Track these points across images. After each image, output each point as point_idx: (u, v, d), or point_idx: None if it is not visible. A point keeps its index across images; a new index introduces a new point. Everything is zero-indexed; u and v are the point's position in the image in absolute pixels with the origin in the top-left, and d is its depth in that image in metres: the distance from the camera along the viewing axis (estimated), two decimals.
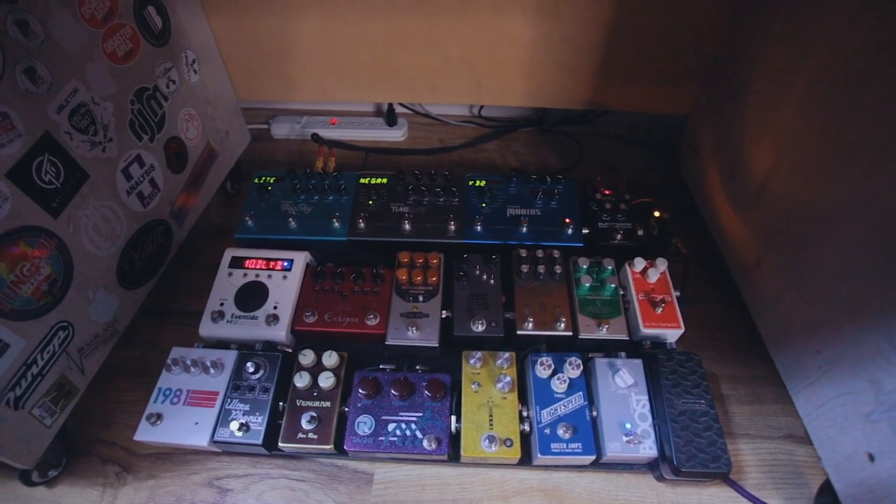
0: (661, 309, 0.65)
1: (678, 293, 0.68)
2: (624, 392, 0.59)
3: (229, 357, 0.62)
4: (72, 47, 0.57)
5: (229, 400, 0.60)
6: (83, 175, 0.60)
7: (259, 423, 0.58)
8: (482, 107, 1.08)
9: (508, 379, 0.59)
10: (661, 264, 0.68)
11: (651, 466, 0.59)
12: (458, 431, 0.57)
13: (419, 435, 0.57)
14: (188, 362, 0.61)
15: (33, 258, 0.54)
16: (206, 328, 0.65)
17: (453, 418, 0.58)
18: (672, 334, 0.65)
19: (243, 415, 0.59)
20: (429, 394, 0.59)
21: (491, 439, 0.56)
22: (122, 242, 0.67)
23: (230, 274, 0.69)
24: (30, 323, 0.54)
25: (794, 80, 0.61)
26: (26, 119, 0.52)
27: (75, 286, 0.59)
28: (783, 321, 0.63)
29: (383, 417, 0.58)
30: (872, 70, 0.49)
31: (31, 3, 0.51)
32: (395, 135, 1.06)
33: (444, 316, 0.65)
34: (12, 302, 0.52)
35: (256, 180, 0.79)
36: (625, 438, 0.56)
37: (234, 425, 0.57)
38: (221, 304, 0.67)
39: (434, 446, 0.56)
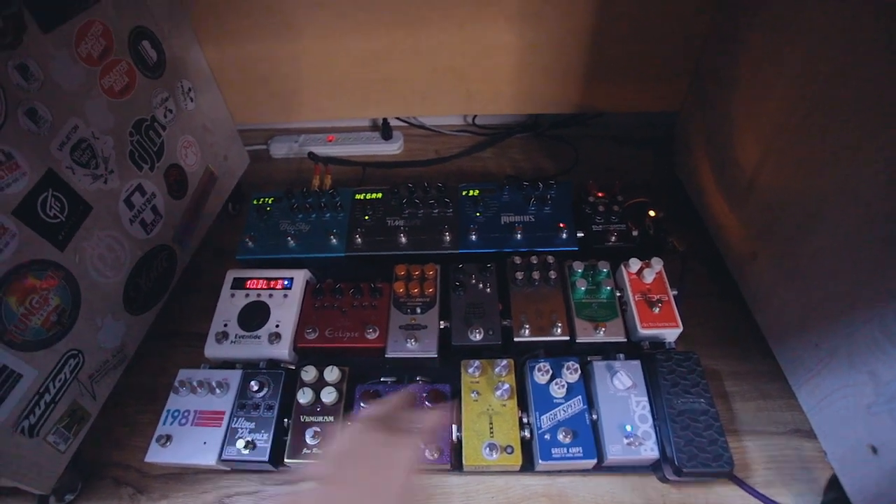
0: (658, 309, 0.65)
1: (676, 292, 0.68)
2: (623, 394, 0.59)
3: (234, 377, 0.64)
4: (70, 86, 0.59)
5: (235, 419, 0.61)
6: (87, 207, 0.62)
7: (265, 440, 0.59)
8: (476, 116, 1.09)
9: (507, 386, 0.59)
10: (657, 264, 0.68)
11: (654, 468, 0.59)
12: (460, 440, 0.58)
13: (421, 445, 0.57)
14: (194, 383, 0.63)
15: (42, 290, 0.56)
16: (211, 349, 0.67)
17: (454, 427, 0.58)
18: (671, 334, 0.65)
19: (249, 433, 0.60)
20: (429, 404, 0.59)
21: (492, 447, 0.56)
22: (128, 270, 0.69)
23: (232, 295, 0.71)
24: (41, 353, 0.56)
25: (779, 72, 0.61)
26: (30, 158, 0.54)
27: (83, 315, 0.61)
28: (781, 315, 0.62)
29: None
30: (856, 59, 0.49)
31: (30, 47, 0.54)
32: (392, 148, 1.07)
33: (442, 326, 0.66)
34: (23, 333, 0.54)
35: (255, 202, 0.81)
36: (625, 441, 0.56)
37: (240, 443, 0.59)
38: (225, 325, 0.68)
39: (436, 456, 0.56)
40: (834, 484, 0.55)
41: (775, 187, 0.62)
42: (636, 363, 0.61)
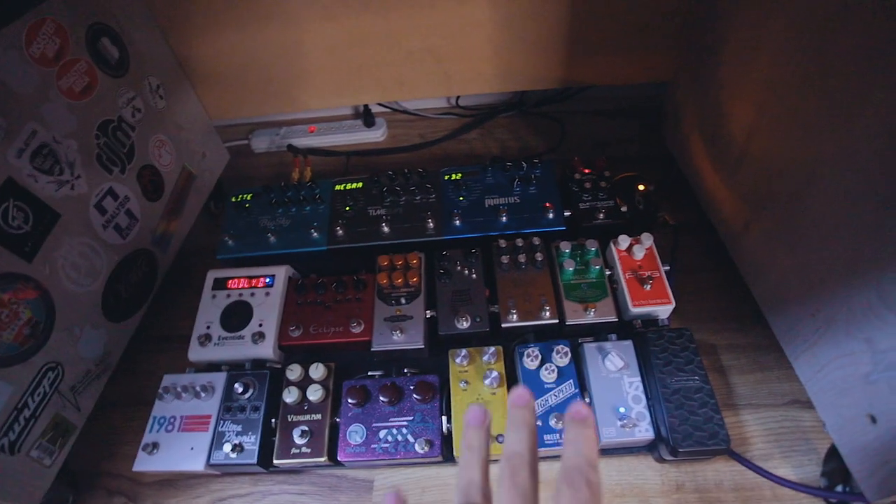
0: (649, 286, 0.63)
1: (668, 267, 0.66)
2: (615, 375, 0.58)
3: (219, 379, 0.63)
4: (24, 90, 0.57)
5: (222, 422, 0.60)
6: (54, 215, 0.60)
7: (252, 442, 0.58)
8: (458, 97, 1.06)
9: (496, 374, 0.58)
10: (647, 240, 0.66)
11: (650, 448, 0.58)
12: (451, 432, 0.57)
13: (411, 439, 0.56)
14: (179, 389, 0.61)
15: (10, 304, 0.54)
16: (195, 352, 0.65)
17: (444, 419, 0.57)
18: (663, 310, 0.63)
19: (236, 435, 0.59)
20: (417, 397, 0.58)
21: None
22: (104, 277, 0.68)
23: (214, 296, 0.69)
24: (15, 368, 0.54)
25: (769, 29, 0.58)
26: None
27: (59, 326, 0.60)
28: (777, 286, 0.61)
29: (374, 425, 0.58)
30: (849, 12, 0.46)
31: None
32: (375, 135, 1.04)
33: (428, 316, 0.64)
34: None
35: (233, 199, 0.79)
36: (619, 423, 0.55)
37: (227, 447, 0.58)
38: (208, 327, 0.67)
39: (426, 449, 0.55)
40: (833, 454, 0.54)
41: (768, 154, 0.60)
42: (628, 343, 0.60)
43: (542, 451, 0.55)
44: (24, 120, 0.57)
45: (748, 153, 0.64)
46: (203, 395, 0.61)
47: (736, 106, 0.66)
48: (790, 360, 0.59)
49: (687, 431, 0.52)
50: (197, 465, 0.58)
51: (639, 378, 0.57)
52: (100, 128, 0.67)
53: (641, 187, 0.78)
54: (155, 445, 0.59)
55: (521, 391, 0.31)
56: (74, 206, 0.63)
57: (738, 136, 0.66)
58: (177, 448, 0.59)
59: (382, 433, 0.57)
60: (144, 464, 0.59)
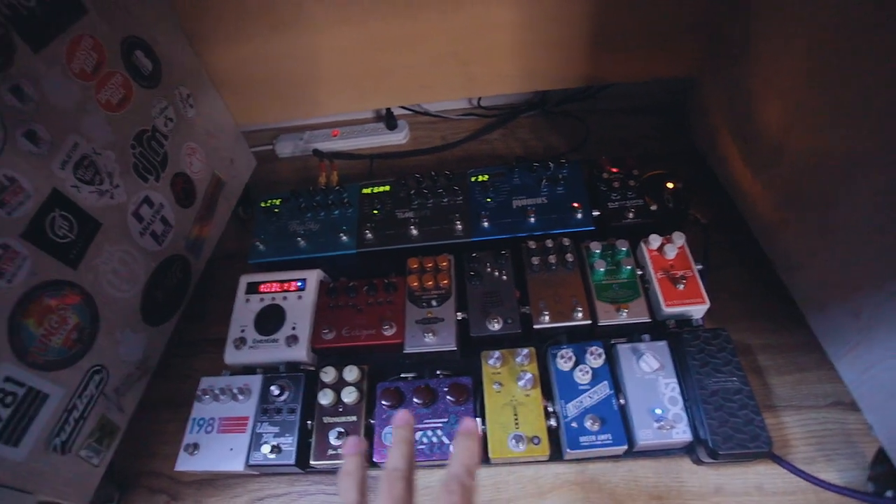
0: (682, 285, 0.62)
1: (700, 266, 0.65)
2: (651, 377, 0.57)
3: (255, 382, 0.64)
4: (67, 104, 0.59)
5: (259, 424, 0.61)
6: (95, 224, 0.62)
7: (289, 443, 0.59)
8: (480, 98, 1.06)
9: (529, 376, 0.58)
10: (678, 238, 0.65)
11: (688, 450, 0.57)
12: (485, 433, 0.57)
13: (446, 441, 0.57)
14: (216, 391, 0.63)
15: (59, 310, 0.56)
16: (231, 356, 0.67)
17: (479, 421, 0.57)
18: (697, 310, 0.62)
19: (274, 437, 0.60)
20: (451, 399, 0.58)
21: (518, 439, 0.55)
22: (143, 282, 0.70)
23: (247, 300, 0.70)
24: (65, 371, 0.57)
25: (803, 20, 0.56)
26: (33, 180, 0.54)
27: (103, 330, 0.62)
28: (817, 284, 0.59)
29: None
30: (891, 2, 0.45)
31: (22, 68, 0.53)
32: (398, 138, 1.05)
33: (459, 318, 0.64)
34: (45, 354, 0.54)
35: (263, 204, 0.80)
36: (656, 425, 0.54)
37: (265, 448, 0.59)
38: (242, 331, 0.68)
39: None
40: (881, 458, 0.52)
41: (805, 148, 0.58)
42: (662, 344, 0.59)
43: (578, 454, 0.55)
44: (66, 133, 0.59)
45: (783, 149, 0.63)
46: (240, 397, 0.63)
47: (768, 100, 0.65)
48: (832, 361, 0.57)
49: (727, 433, 0.52)
50: (236, 465, 0.59)
51: (675, 379, 0.56)
52: (135, 138, 0.69)
53: (670, 185, 0.77)
54: (195, 446, 0.61)
55: (402, 413, 0.37)
56: (114, 215, 0.65)
57: (772, 132, 0.64)
58: (216, 449, 0.60)
59: (417, 435, 0.57)
60: (186, 464, 0.60)
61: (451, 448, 0.36)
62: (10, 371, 0.51)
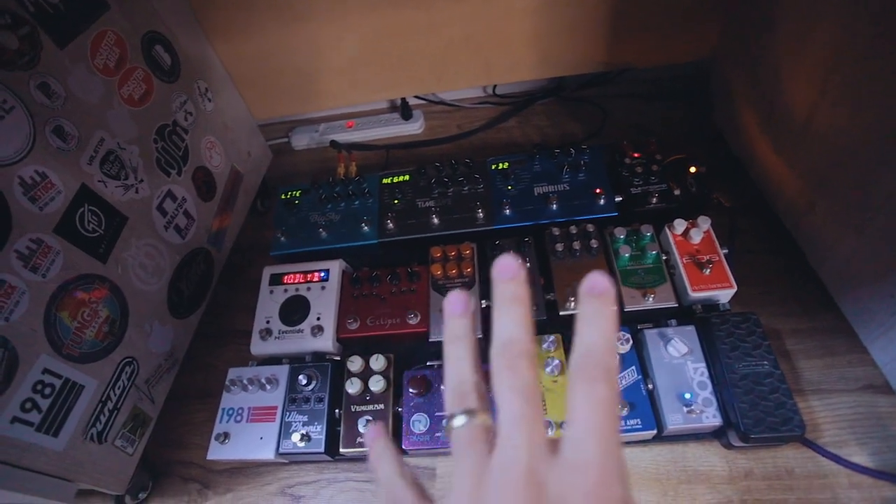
0: (708, 270, 0.62)
1: (726, 250, 0.64)
2: (679, 361, 0.57)
3: (282, 372, 0.65)
4: (92, 99, 0.59)
5: (288, 413, 0.62)
6: (122, 218, 0.63)
7: (318, 431, 0.60)
8: (496, 86, 1.05)
9: (557, 362, 0.58)
10: (704, 223, 0.64)
11: (717, 434, 0.57)
12: None
13: None
14: (245, 381, 0.64)
15: (91, 303, 0.57)
16: (257, 347, 0.68)
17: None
18: (724, 294, 0.62)
19: (303, 425, 0.61)
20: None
21: (547, 425, 0.55)
22: (169, 275, 0.70)
23: (271, 291, 0.71)
24: (98, 364, 0.58)
25: None
26: (62, 175, 0.55)
27: (132, 323, 0.63)
28: (848, 267, 0.58)
29: (437, 414, 0.58)
30: None
31: (48, 64, 0.54)
32: (413, 128, 1.05)
33: (483, 305, 0.64)
34: (80, 346, 0.56)
35: (283, 196, 0.80)
36: (685, 409, 0.54)
37: (295, 437, 0.59)
38: (268, 322, 0.69)
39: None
40: None
41: (835, 128, 0.57)
42: (690, 328, 0.59)
43: None
44: (92, 128, 0.59)
45: (811, 129, 0.61)
46: (268, 387, 0.63)
47: (795, 80, 0.63)
48: (864, 344, 0.57)
49: (758, 417, 0.51)
50: (267, 453, 0.60)
51: (703, 363, 0.56)
52: (157, 132, 0.70)
53: (693, 169, 0.76)
54: (226, 435, 0.62)
55: (505, 260, 0.25)
56: (139, 209, 0.66)
57: (800, 112, 0.63)
58: (247, 438, 0.61)
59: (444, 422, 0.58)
60: (217, 452, 0.61)
61: (578, 313, 0.23)
62: (48, 363, 0.52)
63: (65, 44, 0.56)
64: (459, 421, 0.23)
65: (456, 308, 0.26)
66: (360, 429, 0.60)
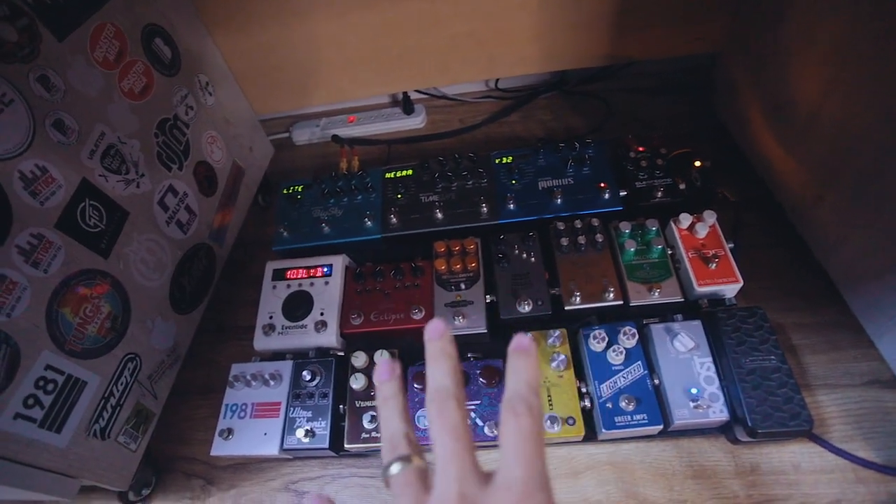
0: (714, 264, 0.61)
1: (732, 245, 0.64)
2: (685, 356, 0.56)
3: (286, 367, 0.64)
4: (92, 93, 0.58)
5: (292, 408, 0.62)
6: (123, 213, 0.62)
7: (323, 427, 0.60)
8: (498, 80, 1.04)
9: (563, 357, 0.57)
10: (710, 217, 0.64)
11: (723, 429, 0.57)
12: None
13: (479, 422, 0.57)
14: (248, 377, 0.63)
15: (93, 299, 0.57)
16: (260, 342, 0.67)
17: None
18: (730, 289, 0.61)
19: (307, 421, 0.60)
20: (483, 381, 0.58)
21: (552, 420, 0.55)
22: (171, 271, 0.70)
23: (274, 287, 0.71)
24: (101, 359, 0.57)
25: None
26: (63, 169, 0.54)
27: (134, 319, 0.62)
28: (855, 261, 0.58)
29: None
30: None
31: (48, 57, 0.53)
32: (415, 122, 1.04)
33: (488, 300, 0.64)
34: (82, 342, 0.55)
35: (285, 191, 0.80)
36: (692, 404, 0.54)
37: (300, 432, 0.59)
38: (271, 318, 0.68)
39: (496, 432, 0.56)
40: None
41: (843, 122, 0.57)
42: (697, 323, 0.58)
43: (613, 434, 0.55)
44: (92, 122, 0.58)
45: (818, 123, 0.61)
46: (272, 382, 0.63)
47: (802, 73, 0.63)
48: (872, 339, 0.56)
49: (766, 412, 0.51)
50: (271, 449, 0.60)
51: (710, 358, 0.56)
52: (158, 126, 0.69)
53: (697, 163, 0.75)
54: (230, 431, 0.61)
55: (434, 323, 0.30)
56: (140, 204, 0.65)
57: (806, 105, 0.63)
58: (250, 434, 0.61)
59: None
60: (221, 448, 0.61)
61: (507, 367, 0.28)
62: (51, 359, 0.51)
63: (64, 36, 0.55)
64: (395, 468, 0.26)
65: (383, 375, 0.30)
66: (365, 424, 0.59)
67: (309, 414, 0.61)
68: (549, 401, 0.56)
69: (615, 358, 0.57)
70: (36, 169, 0.51)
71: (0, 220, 0.48)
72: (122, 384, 0.60)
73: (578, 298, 0.61)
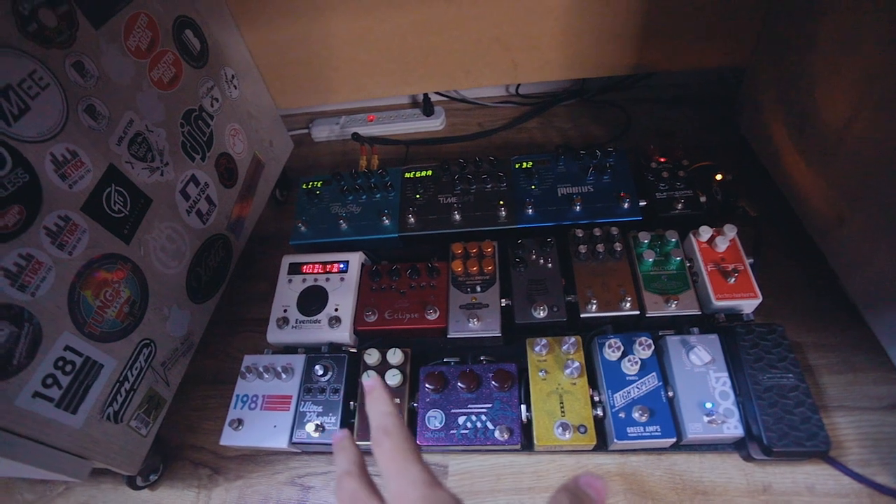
0: (733, 279, 0.61)
1: (751, 260, 0.63)
2: (701, 370, 0.56)
3: (298, 361, 0.64)
4: (123, 80, 0.59)
5: (303, 402, 0.62)
6: (147, 200, 0.63)
7: (333, 423, 0.60)
8: (519, 85, 1.05)
9: (577, 364, 0.57)
10: (730, 231, 0.63)
11: (737, 446, 0.56)
12: (530, 420, 0.57)
13: (490, 426, 0.56)
14: (260, 369, 0.64)
15: (113, 283, 0.58)
16: (273, 335, 0.68)
17: (523, 407, 0.57)
18: (748, 305, 0.61)
19: (317, 416, 0.61)
20: (496, 384, 0.58)
21: (564, 427, 0.54)
22: (189, 260, 0.71)
23: (290, 280, 0.71)
24: (118, 343, 0.58)
25: (871, 16, 0.54)
26: (92, 154, 0.55)
27: (152, 305, 0.63)
28: (879, 282, 0.57)
29: (453, 411, 0.58)
30: None
31: (84, 44, 0.54)
32: (434, 124, 1.04)
33: (504, 304, 0.64)
34: (101, 325, 0.56)
35: (304, 186, 0.80)
36: (706, 419, 0.53)
37: (310, 427, 0.59)
38: (285, 311, 0.69)
39: (507, 437, 0.55)
40: None
41: (871, 142, 0.56)
42: (714, 337, 0.58)
43: (625, 444, 0.54)
44: (122, 109, 0.59)
45: (845, 142, 0.60)
46: (284, 375, 0.63)
47: (831, 93, 0.62)
48: (893, 362, 0.55)
49: (782, 431, 0.50)
50: (280, 442, 0.60)
51: (726, 373, 0.55)
52: (184, 117, 0.70)
53: (719, 177, 0.75)
54: (240, 422, 0.61)
55: (369, 381, 0.34)
56: (163, 192, 0.66)
57: (834, 125, 0.62)
58: (260, 425, 0.61)
59: (461, 419, 0.57)
60: (230, 439, 0.61)
61: (366, 408, 0.33)
62: (70, 340, 0.52)
63: (100, 24, 0.56)
64: None
65: (342, 441, 0.33)
66: None
67: (320, 409, 0.61)
68: (562, 408, 0.56)
69: (630, 368, 0.56)
70: (67, 152, 0.52)
71: (31, 200, 0.48)
72: (136, 369, 0.60)
73: (595, 306, 0.60)
